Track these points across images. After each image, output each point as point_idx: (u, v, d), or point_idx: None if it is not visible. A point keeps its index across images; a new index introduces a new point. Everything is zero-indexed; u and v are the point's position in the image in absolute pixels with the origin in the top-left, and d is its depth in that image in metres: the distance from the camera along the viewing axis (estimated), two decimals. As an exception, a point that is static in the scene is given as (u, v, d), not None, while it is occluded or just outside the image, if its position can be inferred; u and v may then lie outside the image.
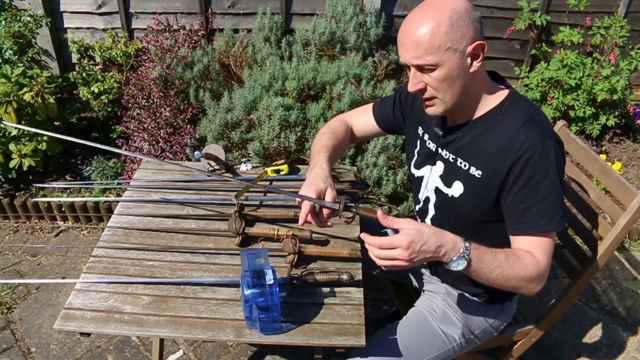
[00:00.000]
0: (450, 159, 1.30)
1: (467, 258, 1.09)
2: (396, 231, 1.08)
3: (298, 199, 1.21)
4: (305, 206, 1.20)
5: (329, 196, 1.21)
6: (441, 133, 1.31)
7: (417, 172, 1.43)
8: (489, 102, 1.23)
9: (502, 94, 1.23)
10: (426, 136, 1.39)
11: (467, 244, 1.10)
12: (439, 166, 1.34)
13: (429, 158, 1.38)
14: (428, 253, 1.07)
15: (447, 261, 1.10)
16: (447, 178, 1.32)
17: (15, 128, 2.57)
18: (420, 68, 1.14)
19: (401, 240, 1.05)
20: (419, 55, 1.12)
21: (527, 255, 1.16)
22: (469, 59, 1.13)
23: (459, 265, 1.09)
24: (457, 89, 1.16)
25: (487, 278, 1.14)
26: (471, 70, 1.15)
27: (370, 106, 1.57)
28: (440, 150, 1.33)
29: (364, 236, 1.10)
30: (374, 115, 1.55)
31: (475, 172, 1.24)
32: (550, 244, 1.17)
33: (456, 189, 1.29)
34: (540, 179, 1.14)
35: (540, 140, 1.14)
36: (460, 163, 1.28)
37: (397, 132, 1.58)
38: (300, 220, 1.20)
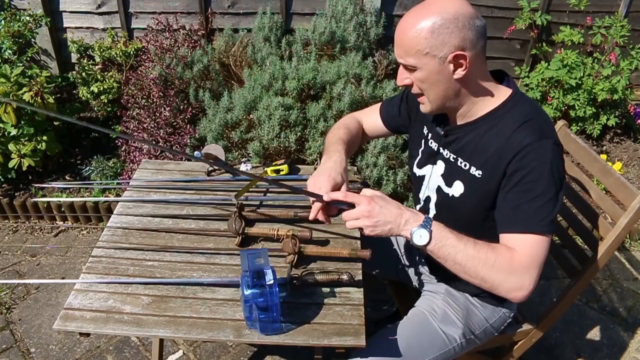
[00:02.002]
0: (451, 159, 1.30)
1: (429, 229, 1.12)
2: None
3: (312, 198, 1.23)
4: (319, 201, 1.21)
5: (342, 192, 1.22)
6: (442, 133, 1.32)
7: (418, 172, 1.43)
8: (490, 102, 1.22)
9: (504, 95, 1.22)
10: (430, 135, 1.39)
11: (429, 217, 1.15)
12: (440, 165, 1.34)
13: (430, 157, 1.38)
14: (388, 217, 1.13)
15: (409, 234, 1.13)
16: (448, 177, 1.32)
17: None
18: (405, 66, 1.18)
19: (364, 198, 1.15)
20: (400, 54, 1.16)
21: (503, 248, 1.15)
22: (451, 66, 1.13)
23: (422, 238, 1.12)
24: (439, 92, 1.18)
25: (454, 260, 1.13)
26: (455, 77, 1.15)
27: (378, 106, 1.58)
28: (441, 150, 1.33)
29: (330, 195, 1.19)
30: (381, 116, 1.55)
31: (476, 172, 1.24)
32: (536, 245, 1.13)
33: (457, 188, 1.29)
34: (534, 179, 1.13)
35: (537, 140, 1.13)
36: (461, 163, 1.28)
37: (403, 132, 1.58)
38: (312, 215, 1.23)
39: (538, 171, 1.13)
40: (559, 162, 1.16)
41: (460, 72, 1.14)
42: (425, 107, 1.24)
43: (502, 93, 1.23)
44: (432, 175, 1.37)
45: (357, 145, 1.55)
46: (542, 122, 1.18)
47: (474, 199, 1.26)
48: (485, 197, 1.23)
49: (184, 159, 2.62)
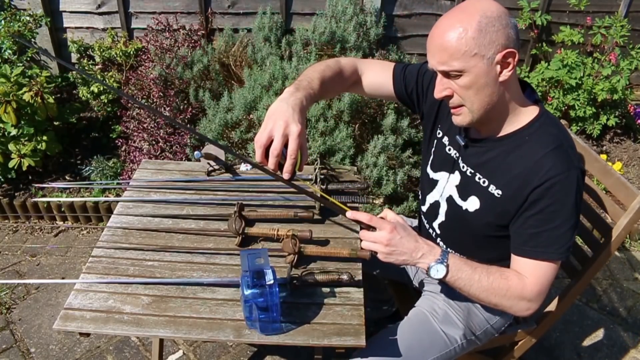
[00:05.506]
0: (468, 173, 1.28)
1: (445, 264, 1.14)
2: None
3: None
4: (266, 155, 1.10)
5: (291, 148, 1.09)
6: (462, 144, 1.27)
7: (432, 174, 1.40)
8: (518, 119, 1.19)
9: (532, 112, 1.19)
10: (446, 139, 1.35)
11: (445, 251, 1.15)
12: (457, 176, 1.31)
13: (447, 164, 1.34)
14: (405, 248, 1.13)
15: (426, 267, 1.15)
16: (463, 191, 1.30)
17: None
18: (447, 74, 1.11)
19: (387, 224, 1.13)
20: (444, 60, 1.08)
21: (514, 277, 1.17)
22: (498, 67, 1.08)
23: (438, 272, 1.14)
24: (484, 97, 1.11)
25: (468, 291, 1.18)
26: (501, 79, 1.10)
27: (390, 65, 1.44)
28: (459, 161, 1.30)
29: (354, 214, 1.15)
30: (394, 76, 1.41)
31: (495, 191, 1.21)
32: (549, 271, 1.16)
33: (472, 203, 1.27)
34: (558, 208, 1.13)
35: (566, 170, 1.11)
36: (479, 179, 1.25)
37: (408, 106, 1.46)
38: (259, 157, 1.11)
39: (562, 202, 1.12)
40: (582, 191, 1.16)
41: (506, 74, 1.09)
42: (464, 118, 1.16)
43: (530, 109, 1.19)
44: (448, 185, 1.34)
45: (340, 90, 1.42)
46: (569, 148, 1.16)
47: (491, 218, 1.24)
48: (501, 217, 1.22)
49: (183, 159, 2.62)
